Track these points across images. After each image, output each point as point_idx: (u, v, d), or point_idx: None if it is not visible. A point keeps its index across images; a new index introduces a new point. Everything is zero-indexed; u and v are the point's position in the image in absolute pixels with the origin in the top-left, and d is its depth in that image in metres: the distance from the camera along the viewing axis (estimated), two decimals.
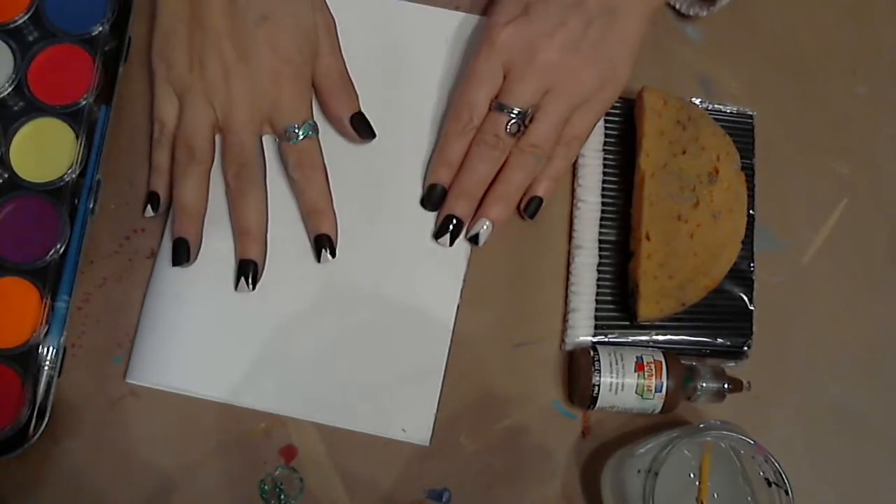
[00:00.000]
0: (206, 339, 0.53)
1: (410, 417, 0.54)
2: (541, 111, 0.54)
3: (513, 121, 0.53)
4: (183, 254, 0.52)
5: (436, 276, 0.56)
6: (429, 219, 0.56)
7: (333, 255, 0.54)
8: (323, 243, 0.54)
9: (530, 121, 0.54)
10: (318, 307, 0.54)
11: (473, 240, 0.55)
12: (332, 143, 0.56)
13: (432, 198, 0.55)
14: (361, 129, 0.56)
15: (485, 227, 0.55)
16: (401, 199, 0.57)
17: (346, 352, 0.54)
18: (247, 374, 0.53)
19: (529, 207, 0.56)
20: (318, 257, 0.54)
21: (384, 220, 0.56)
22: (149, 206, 0.54)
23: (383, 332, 0.55)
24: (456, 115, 0.55)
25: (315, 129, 0.54)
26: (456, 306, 0.56)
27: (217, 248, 0.54)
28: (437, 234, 0.55)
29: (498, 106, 0.54)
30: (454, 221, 0.55)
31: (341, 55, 0.56)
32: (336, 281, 0.55)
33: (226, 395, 0.53)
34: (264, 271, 0.54)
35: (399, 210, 0.56)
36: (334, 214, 0.54)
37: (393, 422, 0.53)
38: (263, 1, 0.53)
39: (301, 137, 0.54)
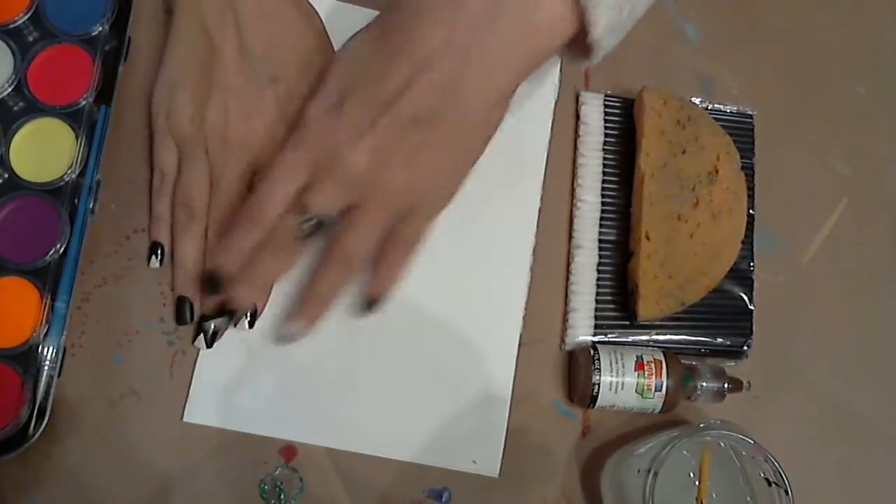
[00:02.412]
0: (263, 380, 0.53)
1: (480, 449, 0.53)
2: (351, 223, 0.49)
3: (308, 223, 0.49)
4: (185, 313, 0.52)
5: (496, 306, 0.56)
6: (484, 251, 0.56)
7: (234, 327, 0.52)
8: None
9: (342, 228, 0.49)
10: (379, 345, 0.54)
11: (284, 340, 0.51)
12: None
13: (211, 282, 0.50)
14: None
15: (298, 328, 0.51)
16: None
17: (410, 386, 0.54)
18: (307, 410, 0.53)
19: (369, 306, 0.52)
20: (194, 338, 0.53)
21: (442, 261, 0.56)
22: (153, 258, 0.53)
23: (447, 365, 0.54)
24: (250, 202, 0.50)
25: None
26: (519, 335, 0.55)
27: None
28: (203, 318, 0.52)
29: (298, 206, 0.49)
30: (231, 309, 0.51)
31: None
32: (398, 316, 0.54)
33: (287, 433, 0.53)
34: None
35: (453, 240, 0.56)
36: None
37: (463, 453, 0.53)
38: (274, 63, 0.52)
39: None
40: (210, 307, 0.52)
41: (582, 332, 0.56)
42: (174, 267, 0.53)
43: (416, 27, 0.45)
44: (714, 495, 0.50)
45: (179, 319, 0.52)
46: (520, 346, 0.55)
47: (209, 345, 0.52)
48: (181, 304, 0.52)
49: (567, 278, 0.57)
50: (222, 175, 0.52)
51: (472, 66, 0.45)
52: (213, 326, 0.52)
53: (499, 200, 0.57)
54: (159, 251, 0.53)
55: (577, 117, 0.60)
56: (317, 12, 0.55)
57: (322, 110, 0.48)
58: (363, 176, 0.47)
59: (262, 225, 0.49)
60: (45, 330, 0.50)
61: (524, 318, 0.56)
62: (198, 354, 0.53)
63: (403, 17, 0.46)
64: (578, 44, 0.46)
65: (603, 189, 0.58)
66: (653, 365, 0.53)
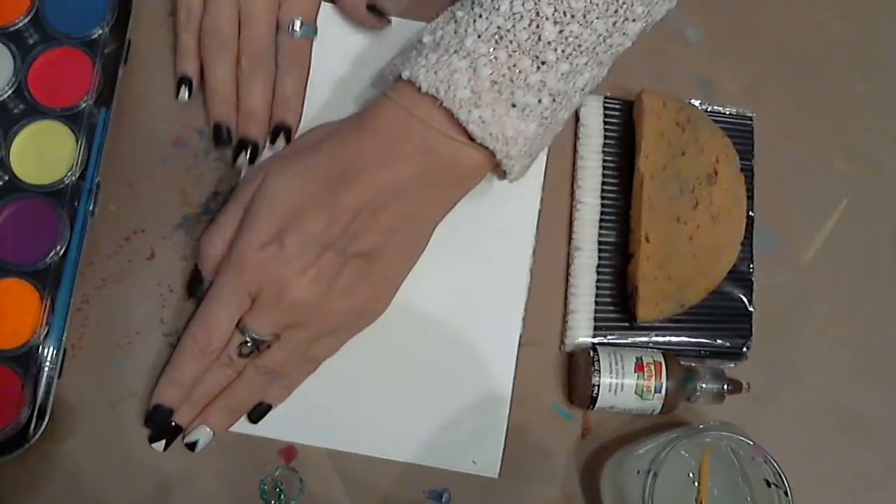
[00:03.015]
0: None
1: (480, 449, 0.54)
2: (282, 339, 0.50)
3: (248, 344, 0.50)
4: (223, 136, 0.55)
5: (495, 307, 0.56)
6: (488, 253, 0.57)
7: (252, 160, 0.55)
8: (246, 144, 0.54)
9: (268, 346, 0.51)
10: (379, 346, 0.54)
11: (190, 447, 0.51)
12: None
13: (156, 418, 0.51)
14: (376, 14, 0.57)
15: (204, 434, 0.51)
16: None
17: (410, 387, 0.54)
18: (307, 411, 0.53)
19: (254, 412, 0.52)
20: (234, 159, 0.55)
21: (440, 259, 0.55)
22: (182, 89, 0.55)
23: (447, 365, 0.55)
24: (193, 334, 0.50)
25: (314, 31, 0.57)
26: (518, 336, 0.56)
27: None
28: (152, 439, 0.51)
29: (239, 328, 0.50)
30: (173, 425, 0.51)
31: None
32: (397, 316, 0.54)
33: (287, 434, 0.53)
34: None
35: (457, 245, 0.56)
36: (299, 111, 0.56)
37: (463, 455, 0.53)
38: None
39: (299, 34, 0.55)
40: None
41: (581, 333, 0.56)
42: (207, 94, 0.55)
43: (358, 173, 0.49)
44: (714, 494, 0.50)
45: (218, 141, 0.55)
46: (519, 346, 0.55)
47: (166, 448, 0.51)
48: (218, 130, 0.55)
49: (567, 280, 0.57)
50: (250, 11, 0.54)
51: (411, 207, 0.51)
52: (163, 444, 0.51)
53: (499, 201, 0.57)
54: (189, 83, 0.55)
55: (577, 119, 0.60)
56: None
57: (258, 244, 0.49)
58: (307, 304, 0.49)
59: (209, 357, 0.50)
60: (46, 331, 0.50)
61: (524, 318, 0.56)
62: None
63: (343, 165, 0.50)
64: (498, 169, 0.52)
65: (602, 191, 0.58)
66: (652, 366, 0.53)
